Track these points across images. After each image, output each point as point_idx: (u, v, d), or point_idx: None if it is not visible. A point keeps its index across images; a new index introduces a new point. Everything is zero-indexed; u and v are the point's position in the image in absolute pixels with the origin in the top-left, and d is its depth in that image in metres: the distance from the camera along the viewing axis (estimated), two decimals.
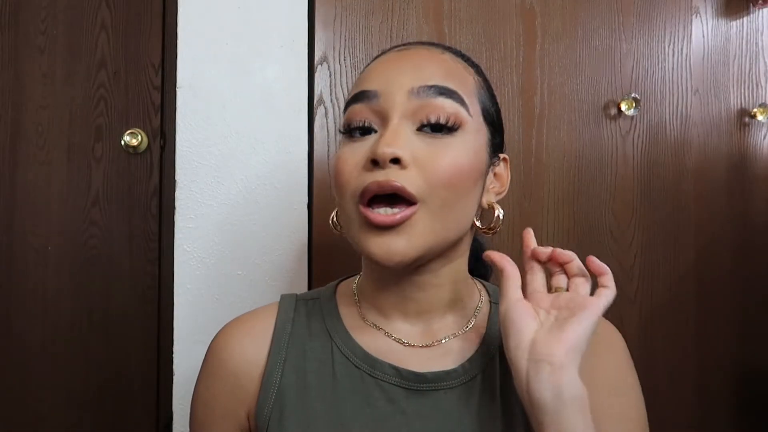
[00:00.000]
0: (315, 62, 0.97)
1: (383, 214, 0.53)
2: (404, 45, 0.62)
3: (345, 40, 0.98)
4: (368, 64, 0.62)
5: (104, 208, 1.07)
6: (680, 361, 1.11)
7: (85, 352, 1.05)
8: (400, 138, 0.53)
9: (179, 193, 0.92)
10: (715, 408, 1.13)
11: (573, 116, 1.06)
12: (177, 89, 0.92)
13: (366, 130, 0.56)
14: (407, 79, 0.55)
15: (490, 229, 0.62)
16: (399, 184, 0.52)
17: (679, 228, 1.11)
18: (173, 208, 0.92)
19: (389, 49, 0.62)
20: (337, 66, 0.98)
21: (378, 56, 0.62)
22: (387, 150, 0.52)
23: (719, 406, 1.13)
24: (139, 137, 1.05)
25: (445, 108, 0.55)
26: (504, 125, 0.66)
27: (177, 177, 0.92)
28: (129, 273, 1.06)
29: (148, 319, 1.06)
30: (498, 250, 1.07)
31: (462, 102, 0.56)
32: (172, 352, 0.91)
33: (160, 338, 1.05)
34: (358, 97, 0.57)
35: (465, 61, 0.62)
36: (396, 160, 0.53)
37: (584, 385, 0.50)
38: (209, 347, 0.63)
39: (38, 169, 1.06)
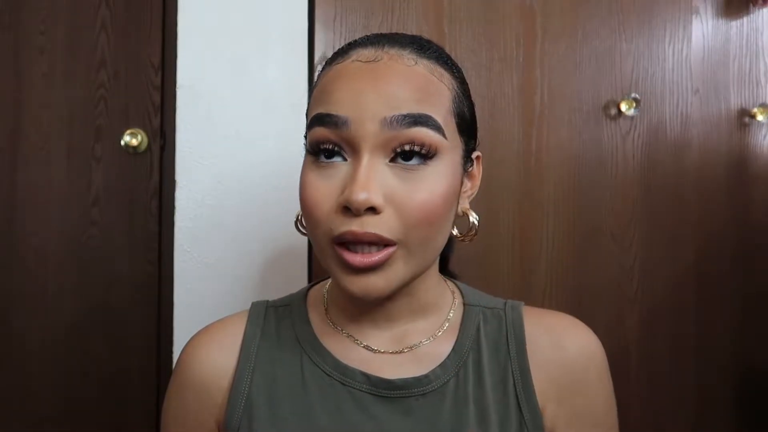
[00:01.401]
0: (315, 62, 0.97)
1: (360, 254, 0.51)
2: (374, 46, 0.56)
3: (345, 40, 0.98)
4: (329, 67, 0.57)
5: (104, 208, 1.06)
6: (680, 361, 1.11)
7: (84, 352, 1.05)
8: (373, 180, 0.50)
9: (179, 193, 0.92)
10: (715, 407, 1.13)
11: (573, 116, 1.06)
12: (177, 89, 0.92)
13: (332, 154, 0.53)
14: (380, 107, 0.51)
15: (466, 236, 0.61)
16: (375, 233, 0.50)
17: (679, 228, 1.11)
18: (173, 208, 0.92)
19: (354, 48, 0.56)
20: None
21: (341, 54, 0.57)
22: (360, 198, 0.49)
23: (719, 405, 1.13)
24: (139, 137, 1.05)
25: (420, 138, 0.51)
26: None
27: (177, 177, 0.92)
28: (129, 273, 1.06)
29: (148, 319, 1.06)
30: (498, 251, 1.07)
31: (438, 128, 0.52)
32: (172, 352, 0.91)
33: (160, 338, 1.05)
34: (324, 120, 0.52)
35: (441, 64, 0.57)
36: (370, 208, 0.50)
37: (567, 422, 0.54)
38: (179, 358, 0.62)
39: (38, 169, 1.06)
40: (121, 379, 1.06)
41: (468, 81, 0.61)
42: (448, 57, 0.59)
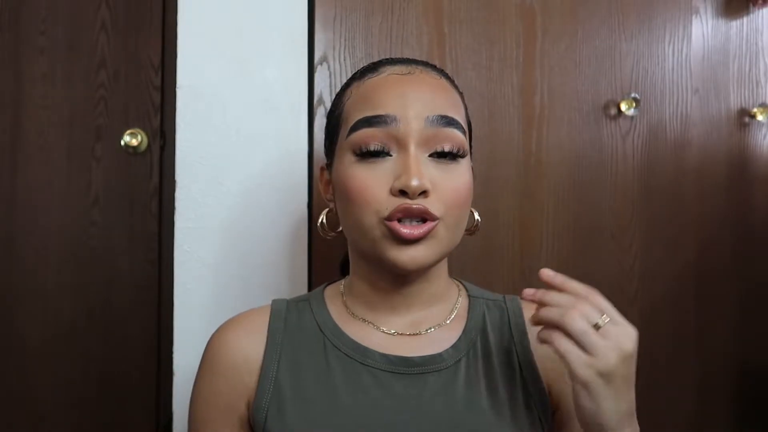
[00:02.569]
0: (315, 62, 0.97)
1: (410, 226, 0.58)
2: (401, 65, 0.65)
3: (345, 40, 0.98)
4: (361, 81, 0.65)
5: (104, 208, 1.06)
6: (680, 361, 1.11)
7: (84, 352, 1.05)
8: (421, 169, 0.59)
9: (179, 193, 0.92)
10: (715, 407, 1.13)
11: (573, 116, 1.06)
12: (177, 89, 0.92)
13: (380, 154, 0.60)
14: (423, 108, 0.60)
15: (470, 231, 0.69)
16: (426, 207, 0.58)
17: (679, 228, 1.11)
18: (173, 208, 0.92)
19: (383, 66, 0.65)
20: (337, 66, 0.98)
21: (370, 73, 0.65)
22: (416, 184, 0.57)
23: (719, 405, 1.13)
24: (139, 137, 1.05)
25: (454, 138, 0.61)
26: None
27: (177, 177, 0.92)
28: (129, 273, 1.06)
29: (148, 319, 1.06)
30: (498, 250, 1.07)
31: (464, 131, 0.63)
32: (172, 352, 0.91)
33: (160, 338, 1.05)
34: (374, 121, 0.60)
35: (454, 86, 0.67)
36: (423, 192, 0.58)
37: None
38: (208, 345, 0.67)
39: (38, 169, 1.06)
40: (121, 379, 1.06)
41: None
42: (453, 80, 0.69)
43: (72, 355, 1.05)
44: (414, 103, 0.60)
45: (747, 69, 1.16)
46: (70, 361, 1.05)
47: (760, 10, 1.16)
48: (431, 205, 0.59)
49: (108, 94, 1.07)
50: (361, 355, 0.63)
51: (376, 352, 0.63)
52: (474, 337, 0.66)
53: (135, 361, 1.06)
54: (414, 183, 0.58)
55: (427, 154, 0.60)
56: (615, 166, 1.08)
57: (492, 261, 1.02)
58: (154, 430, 1.05)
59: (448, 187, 0.60)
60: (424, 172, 0.59)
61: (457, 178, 0.61)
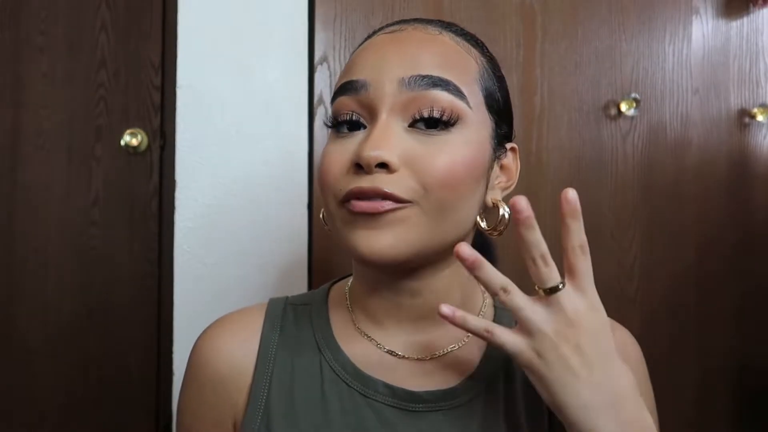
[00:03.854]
0: (315, 62, 0.97)
1: (366, 202, 0.48)
2: (399, 23, 0.56)
3: (345, 40, 0.98)
4: (359, 45, 0.57)
5: (104, 208, 1.06)
6: (680, 361, 1.11)
7: (84, 352, 1.05)
8: (389, 138, 0.48)
9: (179, 193, 0.92)
10: (716, 407, 1.13)
11: (573, 116, 1.06)
12: (177, 89, 0.92)
13: (354, 125, 0.51)
14: (398, 68, 0.50)
15: (494, 229, 0.55)
16: (384, 190, 0.47)
17: (679, 228, 1.11)
18: (173, 208, 0.92)
19: (381, 29, 0.57)
20: (337, 66, 0.98)
21: (369, 36, 0.57)
22: (372, 154, 0.47)
23: (719, 405, 1.13)
24: (139, 137, 1.05)
25: (439, 101, 0.49)
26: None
27: (177, 177, 0.92)
28: (129, 273, 1.06)
29: (148, 319, 1.06)
30: (498, 250, 1.07)
31: (459, 94, 0.50)
32: (172, 352, 0.91)
33: (160, 338, 1.05)
34: (345, 87, 0.52)
35: (468, 40, 0.56)
36: (383, 165, 0.48)
37: None
38: (194, 349, 0.58)
39: (38, 169, 1.06)
40: (121, 379, 1.05)
41: None
42: (477, 38, 0.58)
43: (72, 355, 1.05)
44: (389, 65, 0.50)
45: (747, 69, 1.16)
46: (70, 361, 1.05)
47: (760, 10, 1.16)
48: (396, 185, 0.47)
49: (108, 94, 1.07)
50: (362, 384, 0.53)
51: (380, 381, 0.53)
52: (497, 362, 0.54)
53: (135, 361, 1.06)
54: (368, 153, 0.47)
55: (407, 123, 0.50)
56: (615, 166, 1.08)
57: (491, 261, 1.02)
58: (154, 430, 1.05)
59: (431, 164, 0.48)
60: (395, 144, 0.48)
61: (447, 151, 0.49)
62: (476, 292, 0.59)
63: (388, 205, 0.47)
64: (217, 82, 0.93)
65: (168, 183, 1.04)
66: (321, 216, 0.59)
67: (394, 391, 0.53)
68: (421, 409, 0.52)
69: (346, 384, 0.54)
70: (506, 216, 0.54)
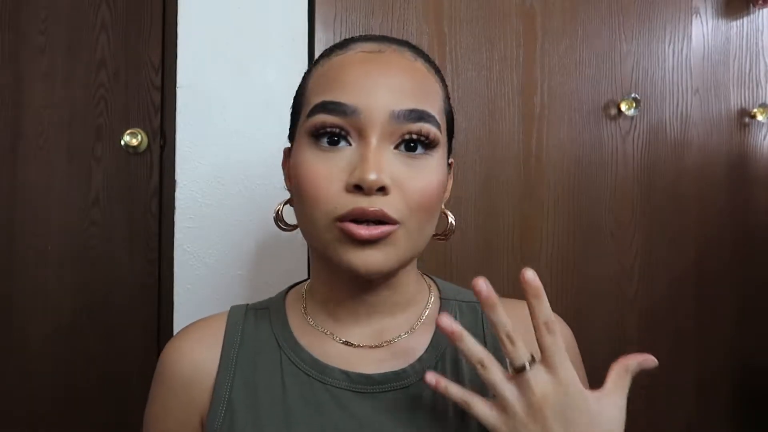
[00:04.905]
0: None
1: (365, 226, 0.52)
2: (376, 41, 0.59)
3: None
4: (328, 58, 0.59)
5: (104, 208, 1.07)
6: (680, 360, 1.11)
7: (85, 352, 1.05)
8: (383, 162, 0.52)
9: (179, 193, 0.92)
10: (715, 407, 1.13)
11: (573, 116, 1.06)
12: (177, 89, 0.92)
13: (337, 139, 0.54)
14: (387, 99, 0.54)
15: (444, 236, 0.63)
16: (383, 211, 0.52)
17: (679, 228, 1.11)
18: (173, 208, 0.92)
19: (354, 41, 0.59)
20: None
21: (343, 45, 0.59)
22: (374, 178, 0.51)
23: (719, 404, 1.13)
24: (139, 137, 1.05)
25: (423, 132, 0.54)
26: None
27: (177, 177, 0.92)
28: (129, 273, 1.06)
29: (148, 319, 1.06)
30: (498, 250, 1.07)
31: (437, 124, 0.55)
32: None
33: (160, 338, 1.05)
34: (332, 108, 0.54)
35: (433, 66, 0.61)
36: (381, 188, 0.52)
37: None
38: (161, 357, 0.62)
39: (38, 169, 1.06)
40: (121, 379, 1.06)
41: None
42: (434, 62, 0.63)
43: (72, 354, 1.05)
44: (379, 92, 0.54)
45: (747, 69, 1.16)
46: (70, 361, 1.05)
47: (760, 10, 1.16)
48: (390, 206, 0.52)
49: (108, 94, 1.07)
50: (319, 372, 0.58)
51: (336, 368, 0.58)
52: (443, 347, 0.60)
53: (135, 361, 1.06)
54: (371, 177, 0.51)
55: (392, 147, 0.54)
56: (615, 166, 1.08)
57: (492, 261, 1.02)
58: None
59: (414, 186, 0.54)
60: (385, 167, 0.52)
61: (426, 175, 0.55)
62: (423, 286, 0.65)
63: (385, 229, 0.52)
64: (217, 82, 0.93)
65: (168, 183, 1.04)
66: (278, 214, 0.64)
67: (349, 376, 0.57)
68: (375, 390, 0.57)
69: (306, 374, 0.58)
70: (453, 223, 0.64)
